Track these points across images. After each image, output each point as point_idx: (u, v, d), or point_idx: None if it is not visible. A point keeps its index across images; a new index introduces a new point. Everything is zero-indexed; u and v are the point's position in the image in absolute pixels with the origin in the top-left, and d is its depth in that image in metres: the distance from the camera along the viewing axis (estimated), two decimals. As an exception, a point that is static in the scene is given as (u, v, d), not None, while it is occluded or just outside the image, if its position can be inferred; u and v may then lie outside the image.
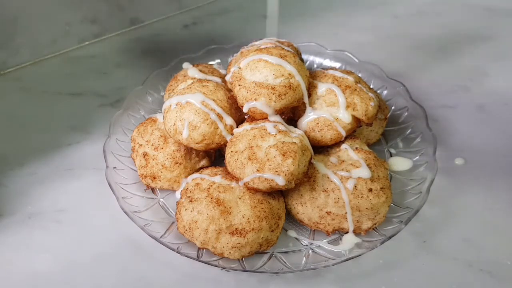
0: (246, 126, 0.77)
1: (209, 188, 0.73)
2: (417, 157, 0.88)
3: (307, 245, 0.75)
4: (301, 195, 0.75)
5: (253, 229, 0.69)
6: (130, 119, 0.96)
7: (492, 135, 0.99)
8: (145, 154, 0.82)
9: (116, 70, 1.23)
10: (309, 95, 0.81)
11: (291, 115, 0.82)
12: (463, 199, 0.84)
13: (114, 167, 0.84)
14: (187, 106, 0.78)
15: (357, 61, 1.08)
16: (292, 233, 0.77)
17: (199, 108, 0.77)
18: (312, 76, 0.85)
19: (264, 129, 0.74)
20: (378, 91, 1.02)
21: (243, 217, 0.69)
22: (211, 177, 0.75)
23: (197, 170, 0.82)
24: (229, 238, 0.68)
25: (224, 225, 0.69)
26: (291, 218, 0.78)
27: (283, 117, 0.79)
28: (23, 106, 1.09)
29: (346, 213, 0.72)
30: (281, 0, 1.61)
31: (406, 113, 0.97)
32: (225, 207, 0.70)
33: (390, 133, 0.96)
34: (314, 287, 0.70)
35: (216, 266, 0.70)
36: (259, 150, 0.71)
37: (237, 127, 0.79)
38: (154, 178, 0.82)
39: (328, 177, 0.74)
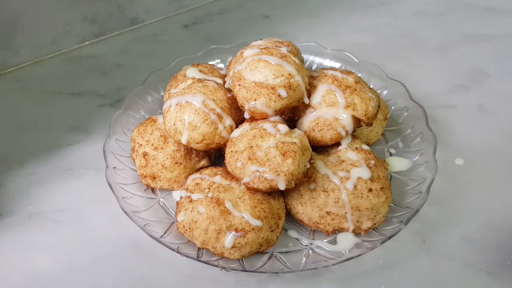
0: (245, 126, 0.77)
1: (209, 188, 0.73)
2: (417, 157, 0.88)
3: (307, 245, 0.75)
4: (301, 195, 0.75)
5: (253, 229, 0.69)
6: (130, 119, 0.96)
7: (492, 135, 0.98)
8: (145, 154, 0.82)
9: (116, 70, 1.23)
10: (309, 95, 0.81)
11: (291, 115, 0.82)
12: (463, 199, 0.84)
13: (114, 167, 0.84)
14: (187, 106, 0.78)
15: (357, 61, 1.08)
16: (292, 233, 0.77)
17: (199, 108, 0.77)
18: (312, 76, 0.85)
19: (264, 129, 0.74)
20: (378, 91, 1.02)
21: (243, 217, 0.69)
22: (211, 177, 0.75)
23: (197, 170, 0.82)
24: (229, 238, 0.69)
25: (224, 225, 0.69)
26: (291, 218, 0.78)
27: (283, 117, 0.79)
28: (23, 106, 1.09)
29: (346, 213, 0.72)
30: (281, 0, 1.61)
31: (406, 113, 0.96)
32: (225, 207, 0.70)
33: (390, 133, 0.96)
34: (314, 287, 0.70)
35: (216, 266, 0.70)
36: (259, 150, 0.71)
37: (237, 127, 0.79)
38: (154, 178, 0.81)
39: (328, 177, 0.74)
